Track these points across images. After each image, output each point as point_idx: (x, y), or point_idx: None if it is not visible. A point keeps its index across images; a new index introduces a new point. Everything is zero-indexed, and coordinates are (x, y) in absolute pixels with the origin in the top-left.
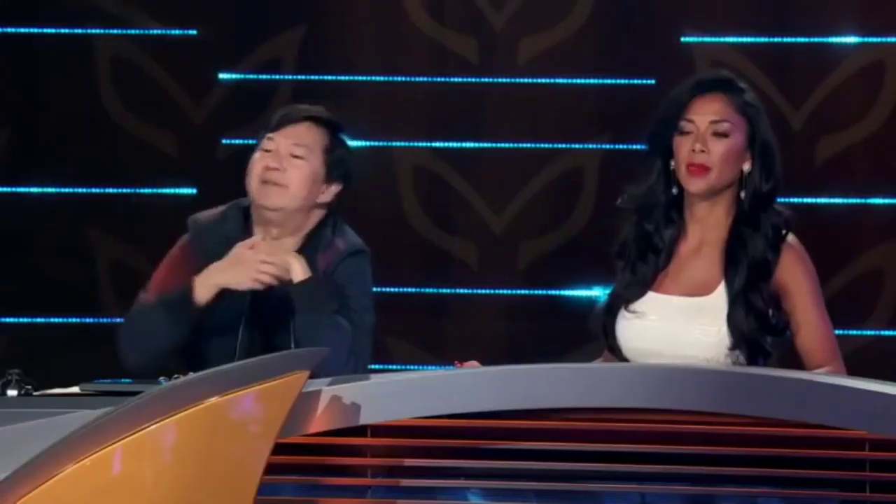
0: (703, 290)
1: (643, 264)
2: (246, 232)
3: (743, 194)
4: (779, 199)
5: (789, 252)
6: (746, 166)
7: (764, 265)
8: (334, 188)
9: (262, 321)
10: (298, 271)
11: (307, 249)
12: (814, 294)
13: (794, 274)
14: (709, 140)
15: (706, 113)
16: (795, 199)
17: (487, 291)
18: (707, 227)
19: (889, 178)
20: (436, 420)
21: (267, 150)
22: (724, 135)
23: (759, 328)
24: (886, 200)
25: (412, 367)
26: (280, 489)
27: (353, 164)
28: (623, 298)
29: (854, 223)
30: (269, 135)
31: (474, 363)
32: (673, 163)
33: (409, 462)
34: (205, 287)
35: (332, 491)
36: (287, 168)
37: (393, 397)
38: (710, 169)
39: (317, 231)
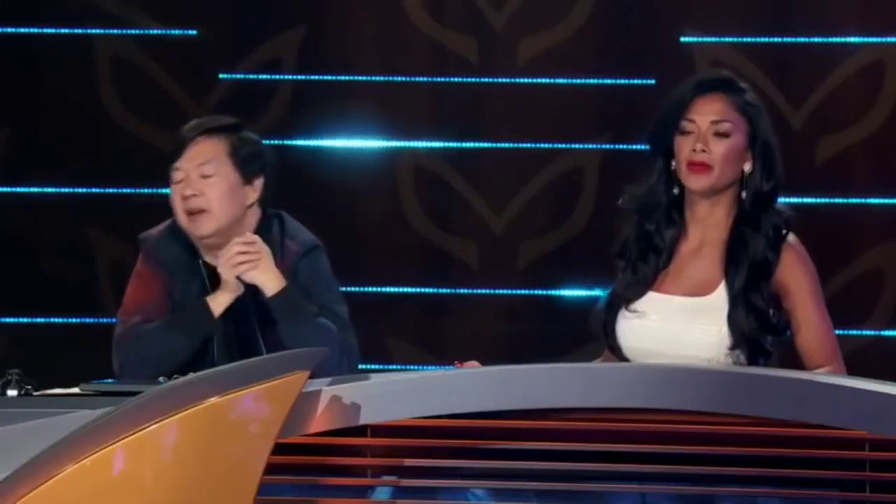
0: (704, 289)
1: (644, 264)
2: (192, 246)
3: (744, 194)
4: (779, 200)
5: (790, 252)
6: (747, 166)
7: (764, 265)
8: (257, 184)
9: (235, 329)
10: (270, 286)
11: None
12: (814, 294)
13: (795, 273)
14: (710, 140)
15: (707, 113)
16: (795, 199)
17: (487, 291)
18: (708, 227)
19: (889, 178)
20: (436, 420)
21: (178, 182)
22: (725, 135)
23: (759, 328)
24: (886, 200)
25: (412, 367)
26: (280, 489)
27: (266, 153)
28: (623, 298)
29: (854, 223)
30: (175, 165)
31: (474, 363)
32: (674, 163)
33: (409, 462)
34: (216, 304)
35: (332, 491)
36: (202, 190)
37: (393, 397)
38: (711, 167)
39: (262, 233)
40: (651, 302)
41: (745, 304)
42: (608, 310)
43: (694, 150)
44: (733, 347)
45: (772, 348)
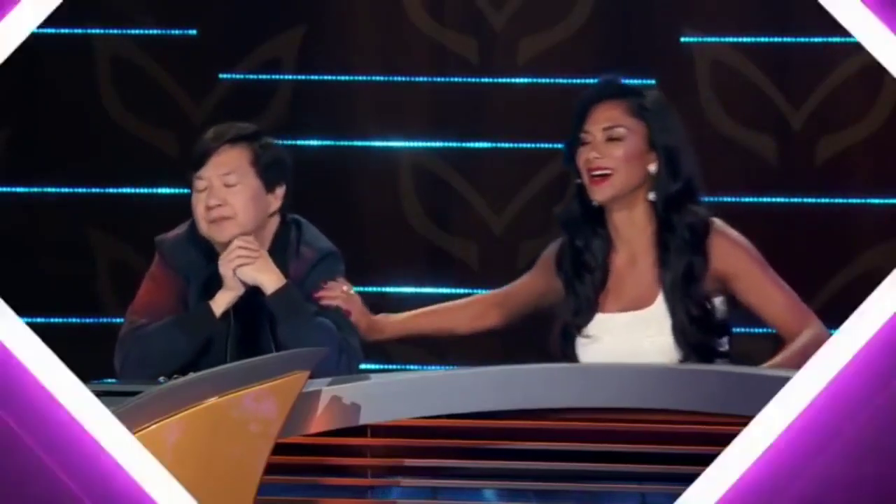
0: (645, 301)
1: (581, 284)
2: (211, 250)
3: (651, 195)
4: (700, 200)
5: (719, 239)
6: (652, 167)
7: (689, 270)
8: (279, 192)
9: (247, 329)
10: (268, 285)
11: (275, 260)
12: (760, 269)
13: (733, 258)
14: (604, 146)
15: (600, 121)
16: (796, 199)
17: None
18: (632, 236)
19: (889, 178)
20: (436, 420)
21: (201, 191)
22: (618, 139)
23: (704, 333)
24: (886, 200)
25: (412, 367)
26: (280, 489)
27: (286, 159)
28: (574, 325)
29: (854, 223)
30: (197, 174)
31: None
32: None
33: (409, 462)
34: (216, 304)
35: (332, 491)
36: (227, 199)
37: (393, 397)
38: (611, 172)
39: (279, 239)
40: (601, 324)
41: (685, 313)
42: (563, 339)
43: (588, 159)
44: (683, 360)
45: (725, 349)
